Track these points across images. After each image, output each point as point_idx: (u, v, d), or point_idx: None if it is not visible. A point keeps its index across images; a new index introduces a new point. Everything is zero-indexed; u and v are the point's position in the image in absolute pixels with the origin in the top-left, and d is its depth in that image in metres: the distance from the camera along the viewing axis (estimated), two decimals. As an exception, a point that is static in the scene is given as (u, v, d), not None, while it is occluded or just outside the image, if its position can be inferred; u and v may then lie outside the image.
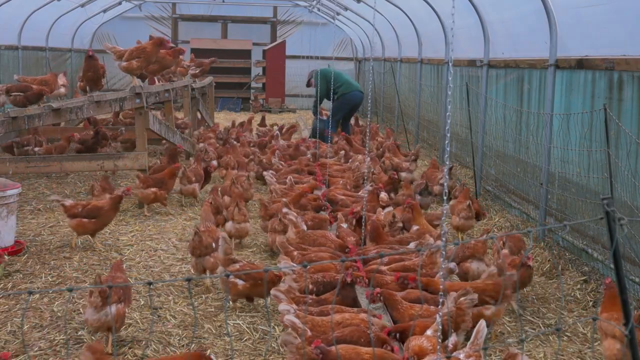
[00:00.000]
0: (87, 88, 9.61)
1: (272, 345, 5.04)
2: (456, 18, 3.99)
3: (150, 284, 2.56)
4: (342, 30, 23.02)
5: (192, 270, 6.24)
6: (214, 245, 5.99)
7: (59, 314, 5.50)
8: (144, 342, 5.05)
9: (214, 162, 10.42)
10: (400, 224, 6.99)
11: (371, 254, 5.99)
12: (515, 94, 8.97)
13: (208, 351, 4.30)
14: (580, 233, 6.93)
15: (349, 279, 5.07)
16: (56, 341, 5.03)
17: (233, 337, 5.18)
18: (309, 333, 4.33)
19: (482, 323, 4.10)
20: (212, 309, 5.73)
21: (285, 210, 7.04)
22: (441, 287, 3.95)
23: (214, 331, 5.29)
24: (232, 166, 10.18)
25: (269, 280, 5.48)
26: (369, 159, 8.21)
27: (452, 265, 5.75)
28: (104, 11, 21.01)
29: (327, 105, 15.34)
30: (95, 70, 9.44)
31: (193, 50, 18.73)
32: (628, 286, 5.37)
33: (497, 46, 9.71)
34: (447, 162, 4.11)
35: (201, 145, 11.72)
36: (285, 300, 4.79)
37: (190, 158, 11.33)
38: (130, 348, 4.97)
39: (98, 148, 10.87)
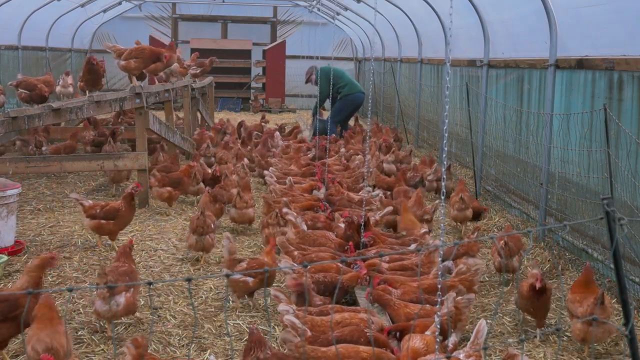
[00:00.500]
0: (87, 90, 9.68)
1: (273, 345, 5.03)
2: (456, 18, 3.99)
3: (150, 283, 2.56)
4: (342, 30, 23.01)
5: (189, 250, 6.96)
6: (212, 226, 6.91)
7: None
8: (144, 342, 5.04)
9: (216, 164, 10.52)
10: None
11: (371, 254, 6.00)
12: (515, 94, 8.97)
13: (208, 351, 4.29)
14: (580, 233, 6.93)
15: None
16: (56, 341, 5.02)
17: (233, 337, 5.18)
18: (309, 333, 4.34)
19: (482, 323, 4.10)
20: (212, 309, 5.73)
21: (285, 210, 7.04)
22: (439, 287, 3.95)
23: (214, 331, 5.28)
24: (227, 161, 10.56)
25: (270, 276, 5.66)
26: (368, 158, 8.27)
27: (450, 264, 5.78)
28: (104, 11, 21.01)
29: (326, 105, 15.34)
30: (96, 73, 9.49)
31: (193, 50, 18.73)
32: (628, 286, 5.37)
33: (497, 46, 9.71)
34: (445, 162, 4.11)
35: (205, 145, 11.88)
36: (285, 300, 4.80)
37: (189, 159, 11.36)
38: (130, 348, 4.96)
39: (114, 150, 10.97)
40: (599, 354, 5.06)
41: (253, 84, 23.45)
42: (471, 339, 4.10)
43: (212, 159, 11.01)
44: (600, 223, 6.17)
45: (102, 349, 4.95)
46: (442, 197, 4.15)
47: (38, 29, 16.67)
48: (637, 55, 5.92)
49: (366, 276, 5.51)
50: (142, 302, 5.77)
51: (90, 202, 7.19)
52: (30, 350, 3.86)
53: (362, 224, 6.47)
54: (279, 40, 22.96)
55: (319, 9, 22.22)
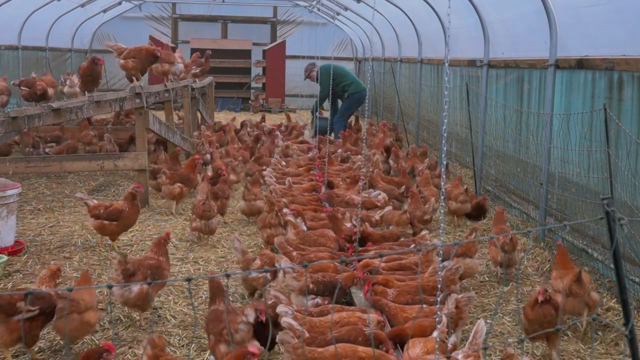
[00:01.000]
0: (85, 90, 9.69)
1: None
2: (456, 18, 3.99)
3: (150, 283, 2.55)
4: (342, 30, 23.01)
5: (195, 233, 7.60)
6: (215, 210, 7.63)
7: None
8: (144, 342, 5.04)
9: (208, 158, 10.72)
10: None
11: (370, 253, 6.01)
12: (515, 94, 8.97)
13: (208, 351, 4.28)
14: (580, 233, 6.93)
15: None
16: (56, 341, 5.02)
17: (233, 337, 5.17)
18: (307, 335, 4.33)
19: (481, 323, 4.10)
20: (212, 309, 5.72)
21: (285, 210, 7.04)
22: (438, 286, 3.95)
23: (213, 331, 5.28)
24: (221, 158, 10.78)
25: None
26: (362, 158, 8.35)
27: (448, 264, 5.77)
28: (104, 11, 21.00)
29: (325, 105, 15.32)
30: (97, 74, 9.51)
31: (193, 50, 18.72)
32: (628, 286, 5.37)
33: (497, 46, 9.71)
34: (444, 162, 4.11)
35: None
36: (285, 301, 4.80)
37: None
38: (130, 348, 4.96)
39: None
40: (599, 354, 5.06)
41: (253, 84, 23.45)
42: (470, 339, 4.09)
43: (208, 156, 11.02)
44: (600, 223, 6.17)
45: (102, 349, 4.95)
46: (442, 198, 4.15)
47: (38, 29, 16.66)
48: (637, 55, 5.92)
49: (364, 275, 5.51)
50: (142, 302, 5.78)
51: (95, 202, 7.19)
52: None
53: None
54: (279, 40, 22.96)
55: (319, 9, 22.21)
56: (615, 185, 5.94)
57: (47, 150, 11.30)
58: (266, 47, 22.56)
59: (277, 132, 13.45)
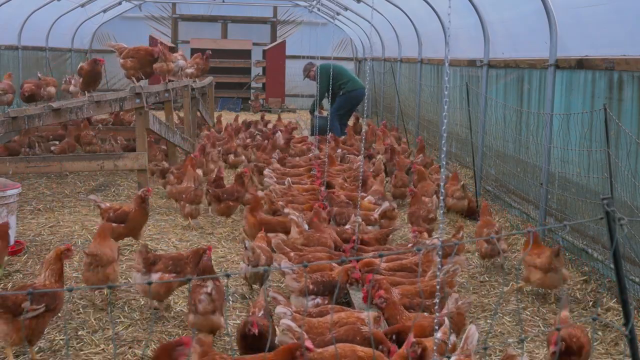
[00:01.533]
0: (85, 90, 9.70)
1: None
2: (456, 18, 3.99)
3: (150, 283, 2.56)
4: (342, 30, 23.01)
5: (187, 217, 8.17)
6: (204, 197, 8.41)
7: (59, 314, 5.49)
8: (144, 342, 5.05)
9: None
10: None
11: (369, 254, 6.00)
12: (515, 94, 8.97)
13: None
14: (580, 233, 6.93)
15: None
16: (56, 341, 5.03)
17: (233, 337, 5.18)
18: (306, 336, 4.33)
19: (472, 328, 4.06)
20: (212, 309, 5.72)
21: (287, 210, 7.04)
22: (438, 287, 3.95)
23: (213, 331, 5.28)
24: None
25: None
26: (362, 158, 8.34)
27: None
28: (104, 11, 21.00)
29: (324, 104, 15.33)
30: (98, 75, 9.53)
31: (193, 50, 18.71)
32: (628, 286, 5.37)
33: (497, 46, 9.71)
34: (444, 162, 4.11)
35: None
36: (283, 302, 4.80)
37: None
38: (130, 348, 4.96)
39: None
40: (599, 354, 5.06)
41: (253, 84, 23.45)
42: (461, 345, 4.05)
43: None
44: (600, 223, 6.17)
45: (103, 349, 4.95)
46: (442, 197, 4.15)
47: (38, 29, 16.66)
48: (637, 55, 5.92)
49: (362, 276, 5.51)
50: (142, 302, 5.78)
51: (107, 204, 7.18)
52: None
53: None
54: (279, 40, 22.96)
55: (319, 9, 22.21)
56: (615, 185, 5.94)
57: (52, 148, 11.39)
58: (266, 47, 22.56)
59: (278, 132, 13.44)
